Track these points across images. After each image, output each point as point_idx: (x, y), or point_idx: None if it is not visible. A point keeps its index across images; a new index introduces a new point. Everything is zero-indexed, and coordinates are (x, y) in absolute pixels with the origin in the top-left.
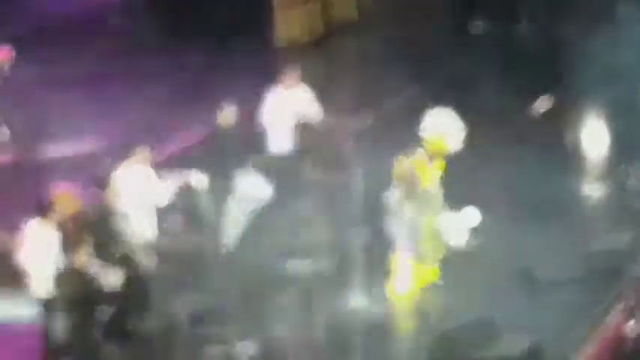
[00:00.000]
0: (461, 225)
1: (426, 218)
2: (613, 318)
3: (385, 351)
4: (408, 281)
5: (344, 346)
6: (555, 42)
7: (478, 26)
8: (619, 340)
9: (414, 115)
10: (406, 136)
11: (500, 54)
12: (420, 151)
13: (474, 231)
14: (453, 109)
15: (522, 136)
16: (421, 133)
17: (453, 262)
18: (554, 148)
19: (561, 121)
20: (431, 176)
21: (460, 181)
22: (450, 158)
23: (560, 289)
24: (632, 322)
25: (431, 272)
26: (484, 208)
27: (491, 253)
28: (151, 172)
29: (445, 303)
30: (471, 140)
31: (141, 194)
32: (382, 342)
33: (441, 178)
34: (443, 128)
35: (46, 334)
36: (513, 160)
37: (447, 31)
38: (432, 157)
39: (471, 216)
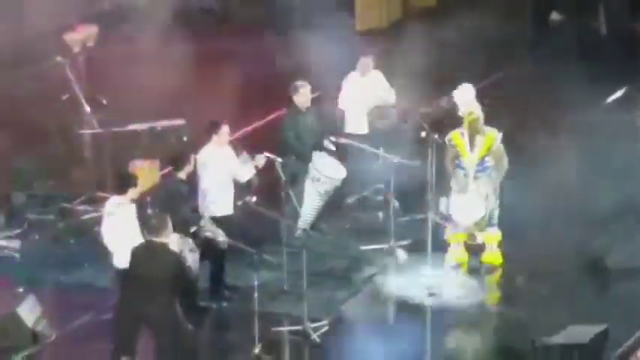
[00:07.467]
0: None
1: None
2: None
3: (451, 331)
4: (462, 255)
5: (412, 324)
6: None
7: (556, 18)
8: None
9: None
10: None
11: (577, 46)
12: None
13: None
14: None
15: (597, 127)
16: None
17: (521, 248)
18: (629, 138)
19: (636, 112)
20: (468, 150)
21: (534, 170)
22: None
23: (631, 278)
24: None
25: (494, 255)
26: (557, 196)
27: (562, 242)
28: (230, 150)
29: (510, 288)
30: (546, 130)
31: (220, 171)
32: (449, 322)
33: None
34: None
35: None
36: (587, 150)
37: (524, 21)
38: (469, 132)
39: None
